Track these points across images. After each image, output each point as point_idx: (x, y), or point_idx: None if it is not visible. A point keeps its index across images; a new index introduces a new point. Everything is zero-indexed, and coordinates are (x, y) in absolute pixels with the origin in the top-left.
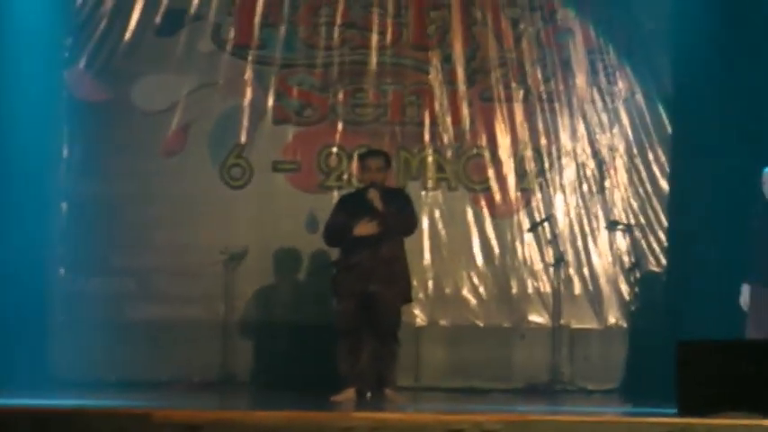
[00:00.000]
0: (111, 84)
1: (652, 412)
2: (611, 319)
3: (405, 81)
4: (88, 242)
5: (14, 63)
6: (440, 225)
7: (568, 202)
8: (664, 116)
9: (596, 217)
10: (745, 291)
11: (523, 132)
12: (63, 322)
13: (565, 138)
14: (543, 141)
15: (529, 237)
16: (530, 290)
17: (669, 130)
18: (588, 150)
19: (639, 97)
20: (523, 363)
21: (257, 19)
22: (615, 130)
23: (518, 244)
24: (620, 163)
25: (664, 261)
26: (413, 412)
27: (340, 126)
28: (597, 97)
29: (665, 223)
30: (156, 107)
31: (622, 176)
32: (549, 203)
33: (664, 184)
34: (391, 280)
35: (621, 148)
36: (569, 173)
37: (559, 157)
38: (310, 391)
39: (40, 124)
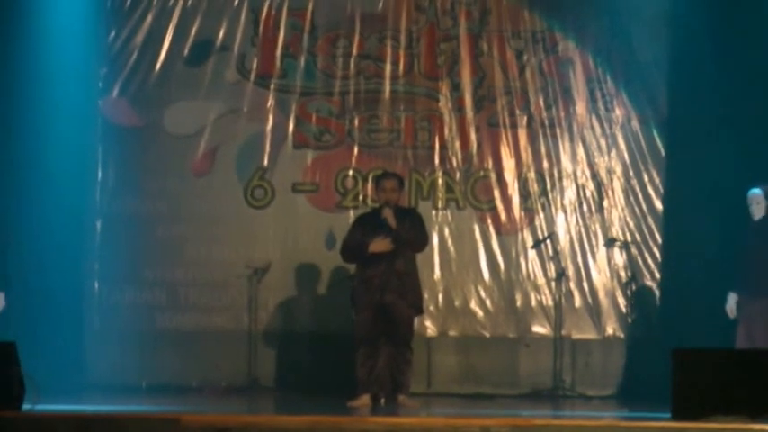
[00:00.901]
0: (144, 110)
1: (648, 416)
2: (610, 330)
3: (416, 108)
4: (122, 257)
5: (53, 93)
6: (449, 242)
7: (569, 220)
8: (658, 141)
9: (595, 234)
10: (732, 299)
11: (527, 156)
12: (99, 332)
13: (566, 161)
14: (545, 164)
15: (532, 253)
16: (533, 302)
17: (663, 153)
18: (587, 173)
19: (635, 123)
20: (528, 370)
21: (279, 50)
22: (613, 154)
23: (522, 260)
24: (618, 184)
25: (658, 275)
26: (425, 416)
27: (356, 150)
28: (596, 123)
29: (660, 240)
30: (186, 132)
31: (619, 197)
32: (551, 222)
33: (658, 204)
34: (404, 293)
35: (619, 170)
36: (570, 193)
37: (560, 179)
38: (329, 396)
39: (76, 149)
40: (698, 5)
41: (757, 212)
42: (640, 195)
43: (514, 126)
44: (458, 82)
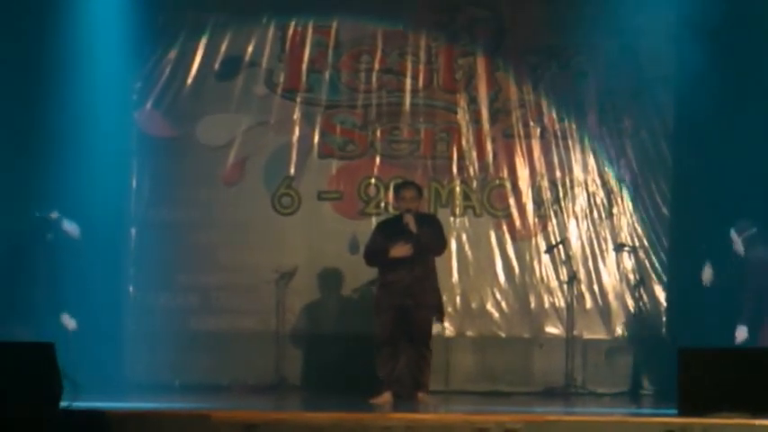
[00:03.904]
0: (177, 122)
1: (655, 413)
2: (619, 330)
3: (435, 120)
4: (156, 263)
5: (91, 106)
6: (466, 247)
7: (580, 226)
8: (665, 151)
9: (605, 240)
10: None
11: (540, 165)
12: (134, 333)
13: (577, 170)
14: (558, 173)
15: (545, 257)
16: (546, 304)
17: (670, 163)
18: (598, 181)
19: (644, 134)
20: (541, 369)
21: (305, 65)
22: (622, 163)
23: (536, 264)
24: (626, 192)
25: (665, 278)
26: (444, 413)
27: (378, 160)
28: (606, 134)
29: (666, 245)
30: (217, 143)
31: (628, 204)
32: (563, 228)
33: (665, 211)
34: (423, 296)
35: (627, 178)
36: (581, 201)
37: (572, 187)
38: (353, 394)
39: (113, 159)
40: (702, 24)
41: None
42: (648, 202)
43: (528, 137)
44: (474, 95)
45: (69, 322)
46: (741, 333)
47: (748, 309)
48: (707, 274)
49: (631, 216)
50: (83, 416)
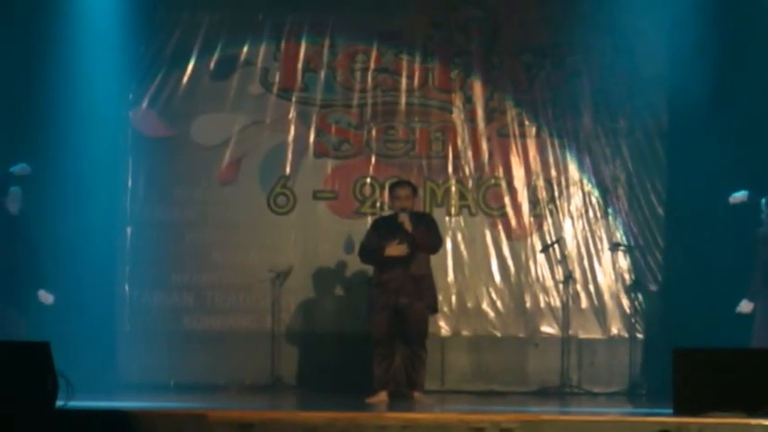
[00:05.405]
0: (172, 122)
1: (650, 412)
2: (614, 330)
3: (431, 119)
4: (151, 262)
5: (87, 105)
6: (462, 247)
7: (576, 226)
8: (660, 150)
9: (600, 239)
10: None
11: (536, 164)
12: (129, 333)
13: (572, 169)
14: (553, 173)
15: (541, 257)
16: (542, 304)
17: (665, 162)
18: (593, 180)
19: (639, 134)
20: (537, 368)
21: (300, 65)
22: (617, 163)
23: (531, 263)
24: (622, 191)
25: (660, 278)
26: (439, 413)
27: (373, 159)
28: (601, 133)
29: (662, 244)
30: (212, 142)
31: (624, 203)
32: (558, 227)
33: (660, 211)
34: (419, 294)
35: (623, 178)
36: (576, 200)
37: (568, 187)
38: (348, 393)
39: (108, 158)
40: (697, 24)
41: None
42: (643, 202)
43: (524, 136)
44: (470, 95)
45: (46, 297)
46: (746, 306)
47: (755, 283)
48: (740, 197)
49: (627, 215)
50: (81, 416)
